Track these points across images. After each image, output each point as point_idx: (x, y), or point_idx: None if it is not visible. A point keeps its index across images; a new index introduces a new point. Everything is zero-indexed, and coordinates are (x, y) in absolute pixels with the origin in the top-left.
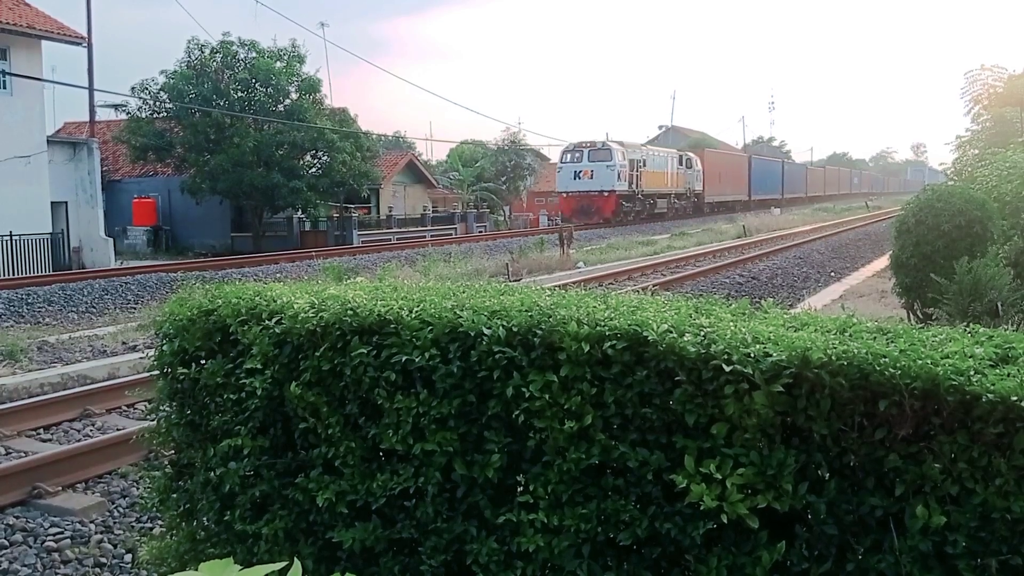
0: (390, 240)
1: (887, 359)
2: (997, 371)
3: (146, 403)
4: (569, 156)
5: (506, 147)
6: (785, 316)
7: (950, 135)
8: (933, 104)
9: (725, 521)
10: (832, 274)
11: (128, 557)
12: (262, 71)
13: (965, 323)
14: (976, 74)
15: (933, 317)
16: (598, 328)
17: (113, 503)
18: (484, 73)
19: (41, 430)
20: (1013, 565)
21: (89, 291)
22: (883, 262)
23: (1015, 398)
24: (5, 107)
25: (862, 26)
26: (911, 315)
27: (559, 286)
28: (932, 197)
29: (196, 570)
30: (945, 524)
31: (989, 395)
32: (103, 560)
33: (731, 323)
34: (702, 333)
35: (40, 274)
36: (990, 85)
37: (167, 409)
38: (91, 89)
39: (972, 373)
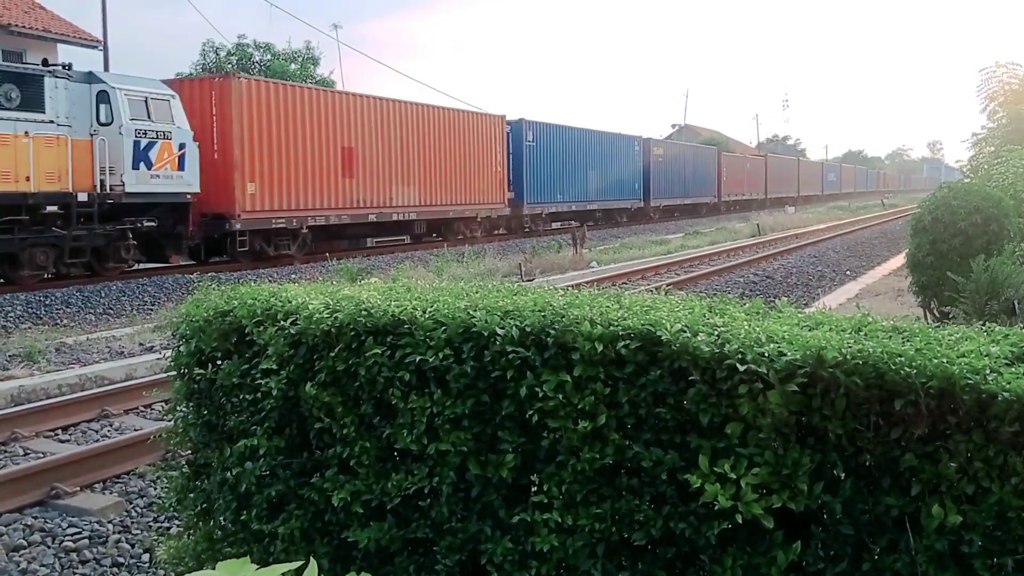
0: (403, 240)
1: (902, 358)
2: (1013, 370)
3: (163, 404)
4: None
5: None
6: (800, 315)
7: (966, 132)
8: (950, 101)
9: (740, 521)
10: (848, 273)
11: (146, 557)
12: (277, 73)
13: (982, 321)
14: (991, 71)
15: (950, 316)
16: (611, 328)
17: (131, 503)
18: (497, 72)
19: (59, 431)
20: None
21: (106, 293)
22: (899, 260)
23: None
24: None
25: (877, 23)
26: (928, 314)
27: (572, 286)
28: (948, 195)
29: (213, 569)
30: (961, 523)
31: (1005, 394)
32: (121, 560)
33: (745, 322)
34: (716, 332)
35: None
36: (1005, 82)
37: (184, 409)
38: None
39: (988, 372)
